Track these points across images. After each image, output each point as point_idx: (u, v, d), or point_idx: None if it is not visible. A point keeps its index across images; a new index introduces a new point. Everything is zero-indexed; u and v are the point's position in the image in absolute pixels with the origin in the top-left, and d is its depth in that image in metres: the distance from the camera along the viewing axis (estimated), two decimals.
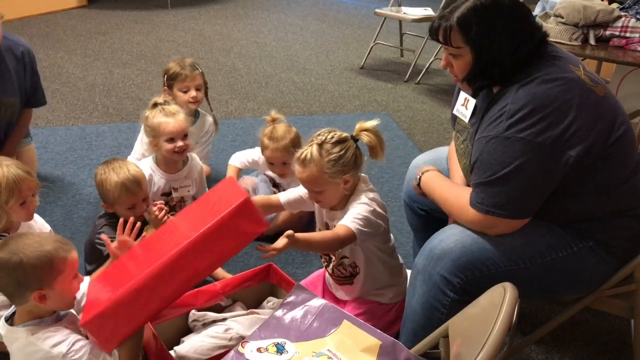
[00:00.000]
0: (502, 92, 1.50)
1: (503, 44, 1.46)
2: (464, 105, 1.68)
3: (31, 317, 1.44)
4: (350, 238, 1.66)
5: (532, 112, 1.41)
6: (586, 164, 1.44)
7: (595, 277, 1.58)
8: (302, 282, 2.10)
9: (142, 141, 2.59)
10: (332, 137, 1.73)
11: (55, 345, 1.40)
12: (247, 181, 2.58)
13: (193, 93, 2.68)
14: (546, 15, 2.83)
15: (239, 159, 2.62)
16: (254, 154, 2.60)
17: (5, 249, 1.39)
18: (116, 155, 3.15)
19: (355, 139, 1.75)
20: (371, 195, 1.79)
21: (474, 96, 1.65)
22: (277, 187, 2.55)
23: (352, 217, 1.69)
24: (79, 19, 6.01)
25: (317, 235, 1.73)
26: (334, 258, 1.89)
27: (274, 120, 2.43)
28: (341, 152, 1.71)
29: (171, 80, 2.69)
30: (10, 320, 1.48)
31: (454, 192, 1.64)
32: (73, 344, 1.41)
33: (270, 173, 2.55)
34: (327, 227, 1.89)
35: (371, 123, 1.75)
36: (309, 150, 1.72)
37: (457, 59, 1.53)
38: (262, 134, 2.42)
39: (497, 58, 1.47)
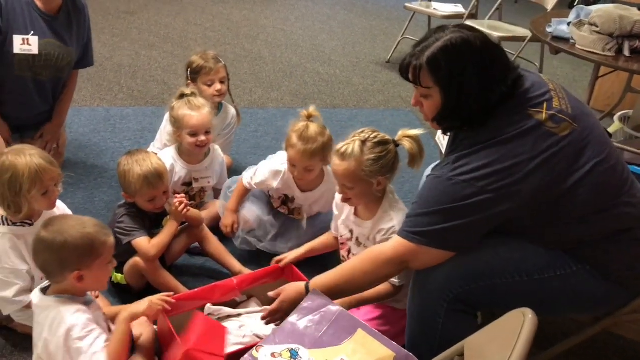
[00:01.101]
0: (458, 145, 1.51)
1: (473, 86, 1.44)
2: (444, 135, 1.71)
3: (64, 292, 1.54)
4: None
5: (480, 167, 1.42)
6: (544, 202, 1.44)
7: (596, 300, 1.55)
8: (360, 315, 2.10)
9: (165, 130, 2.60)
10: (375, 137, 1.76)
11: (74, 324, 1.48)
12: (248, 214, 2.34)
13: (218, 86, 2.64)
14: (580, 23, 2.77)
15: (249, 178, 2.32)
16: (269, 169, 2.29)
17: (50, 229, 1.49)
18: (139, 140, 3.20)
19: (396, 144, 1.78)
20: (403, 207, 1.83)
21: (444, 134, 1.67)
22: (291, 202, 2.36)
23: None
24: None
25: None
26: None
27: (309, 117, 2.17)
28: (382, 154, 1.74)
29: (195, 74, 2.64)
30: (44, 291, 1.58)
31: (350, 263, 1.65)
32: (90, 331, 1.49)
33: (286, 188, 2.31)
34: (352, 234, 1.89)
35: (415, 131, 1.78)
36: (351, 145, 1.75)
37: (427, 99, 1.52)
38: (291, 129, 2.15)
39: (467, 100, 1.45)
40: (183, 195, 2.09)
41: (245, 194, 2.37)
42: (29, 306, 1.80)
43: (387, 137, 1.79)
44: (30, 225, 1.79)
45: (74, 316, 1.50)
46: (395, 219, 1.82)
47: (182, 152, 2.35)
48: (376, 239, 1.83)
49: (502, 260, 1.50)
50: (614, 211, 1.48)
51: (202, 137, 2.26)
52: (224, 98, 2.75)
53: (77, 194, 2.68)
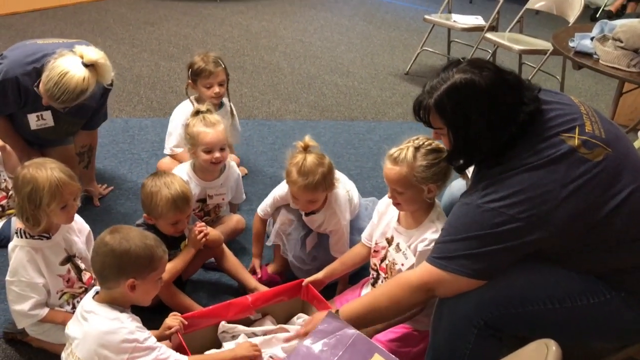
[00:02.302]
0: (485, 174, 1.47)
1: (480, 128, 1.41)
2: None
3: (112, 301, 1.56)
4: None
5: (510, 195, 1.39)
6: (577, 230, 1.39)
7: (628, 328, 1.51)
8: (336, 298, 2.08)
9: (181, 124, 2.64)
10: (430, 144, 1.77)
11: (139, 331, 1.52)
12: (283, 218, 2.27)
13: (216, 89, 2.73)
14: (604, 38, 2.72)
15: (262, 208, 2.30)
16: (278, 191, 2.25)
17: (116, 235, 1.54)
18: (157, 151, 3.21)
19: None
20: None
21: (459, 172, 1.65)
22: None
23: None
24: (129, 7, 6.09)
25: None
26: (384, 275, 1.91)
27: (306, 148, 2.07)
28: (434, 161, 1.74)
29: (195, 76, 2.73)
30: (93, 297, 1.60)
31: (377, 290, 1.61)
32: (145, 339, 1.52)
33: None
34: (392, 241, 1.89)
35: None
36: (404, 150, 1.76)
37: (443, 136, 1.51)
38: (290, 162, 2.08)
39: (475, 142, 1.43)
40: (203, 224, 2.07)
41: (264, 229, 2.33)
42: (43, 320, 1.81)
43: (442, 145, 1.78)
44: (48, 238, 1.80)
45: (132, 323, 1.53)
46: (440, 231, 1.80)
47: (197, 169, 2.34)
48: (417, 247, 1.81)
49: (534, 286, 1.47)
50: None
51: (217, 154, 2.25)
52: (221, 99, 2.84)
53: (94, 206, 2.69)
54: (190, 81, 2.77)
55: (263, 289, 2.08)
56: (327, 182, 2.07)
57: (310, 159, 2.04)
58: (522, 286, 1.47)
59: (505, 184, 1.40)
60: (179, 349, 1.70)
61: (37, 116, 2.45)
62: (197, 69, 2.72)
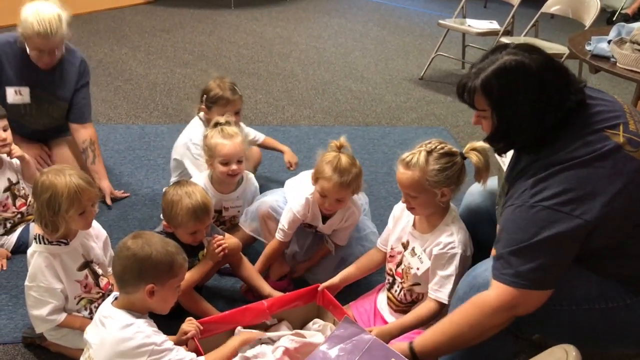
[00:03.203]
0: (530, 168, 1.44)
1: (526, 111, 1.39)
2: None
3: (130, 307, 1.57)
4: None
5: (560, 192, 1.35)
6: (623, 229, 1.36)
7: None
8: (352, 304, 2.08)
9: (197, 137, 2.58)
10: (442, 148, 1.76)
11: (155, 334, 1.53)
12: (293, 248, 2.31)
13: (232, 118, 2.47)
14: (621, 41, 2.70)
15: (280, 231, 2.23)
16: (297, 206, 2.21)
17: (138, 240, 1.55)
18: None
19: (463, 157, 1.78)
20: (464, 227, 1.84)
21: (499, 155, 1.62)
22: (310, 227, 2.34)
23: None
24: (145, 15, 6.15)
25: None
26: (400, 280, 1.91)
27: (340, 148, 2.12)
28: (447, 164, 1.74)
29: (211, 103, 2.59)
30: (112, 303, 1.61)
31: (452, 317, 1.52)
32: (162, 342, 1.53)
33: (311, 218, 2.26)
34: (407, 245, 1.89)
35: (482, 144, 1.74)
36: (416, 154, 1.76)
37: (485, 120, 1.49)
38: (322, 160, 2.10)
39: (520, 125, 1.41)
40: (222, 237, 2.06)
41: (281, 253, 2.30)
42: (61, 325, 1.83)
43: (455, 149, 1.79)
44: (66, 244, 1.81)
45: (148, 328, 1.54)
46: (455, 235, 1.80)
47: (214, 181, 2.34)
48: (433, 251, 1.81)
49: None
50: None
51: (234, 167, 2.24)
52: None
53: (111, 211, 2.72)
54: (204, 106, 2.63)
55: (278, 295, 2.08)
56: (358, 183, 2.12)
57: (345, 158, 2.09)
58: None
59: (554, 180, 1.36)
60: (196, 354, 1.70)
61: (15, 91, 2.59)
62: (213, 96, 2.57)
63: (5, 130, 2.26)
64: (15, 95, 2.59)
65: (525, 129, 1.42)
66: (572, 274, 1.44)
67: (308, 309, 2.00)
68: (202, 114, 2.68)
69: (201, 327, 1.75)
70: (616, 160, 1.35)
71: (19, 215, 2.40)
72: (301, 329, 1.95)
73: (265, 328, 1.93)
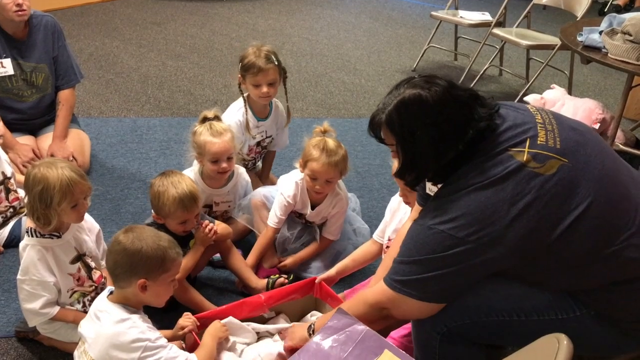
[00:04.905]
0: (438, 192, 1.45)
1: (426, 144, 1.37)
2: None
3: (124, 302, 1.56)
4: None
5: (458, 217, 1.35)
6: (534, 249, 1.33)
7: (604, 344, 1.44)
8: (346, 292, 2.09)
9: None
10: None
11: (150, 330, 1.53)
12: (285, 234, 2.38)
13: (264, 89, 2.44)
14: (613, 32, 2.70)
15: (272, 218, 2.29)
16: (287, 193, 2.28)
17: (130, 235, 1.54)
18: (165, 150, 3.22)
19: None
20: None
21: (410, 188, 1.62)
22: (299, 217, 2.40)
23: None
24: (136, 7, 6.11)
25: None
26: None
27: (325, 132, 2.24)
28: None
29: (244, 71, 2.46)
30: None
31: (346, 307, 1.56)
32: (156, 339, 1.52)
33: (299, 205, 2.32)
34: None
35: None
36: None
37: (394, 153, 1.46)
38: (309, 144, 2.21)
39: (422, 158, 1.40)
40: (209, 222, 2.07)
41: (273, 241, 2.33)
42: (54, 318, 1.83)
43: None
44: (59, 237, 1.80)
45: (143, 324, 1.54)
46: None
47: (204, 176, 2.33)
48: None
49: (500, 297, 1.43)
50: (617, 258, 1.33)
51: (224, 164, 2.23)
52: (270, 100, 2.59)
53: (103, 205, 2.70)
54: (240, 76, 2.51)
55: (262, 287, 2.11)
56: (345, 164, 2.21)
57: (331, 140, 2.20)
58: (487, 296, 1.43)
59: (453, 206, 1.36)
60: (194, 348, 1.71)
61: None
62: (247, 63, 2.42)
63: None
64: None
65: (426, 161, 1.40)
66: (520, 286, 1.42)
67: (305, 301, 2.01)
68: (246, 94, 2.56)
69: (198, 323, 1.75)
70: (518, 181, 1.32)
71: (11, 209, 2.39)
72: (299, 321, 1.96)
73: (264, 321, 1.93)
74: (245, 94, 2.57)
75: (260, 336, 1.88)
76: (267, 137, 2.69)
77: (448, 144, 1.37)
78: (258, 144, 2.68)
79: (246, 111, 2.56)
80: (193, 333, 1.72)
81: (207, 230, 2.03)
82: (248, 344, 1.83)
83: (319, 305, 2.01)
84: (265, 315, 1.93)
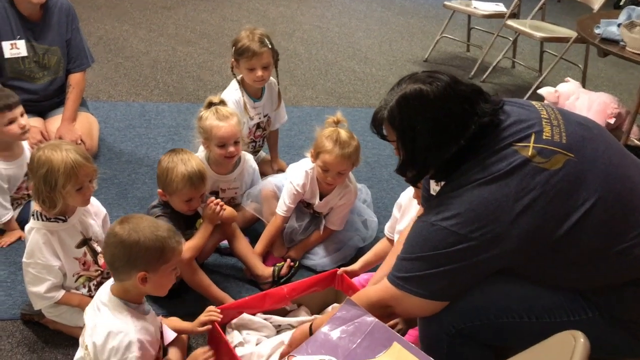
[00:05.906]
0: (441, 189, 1.43)
1: (427, 140, 1.35)
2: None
3: (124, 294, 1.52)
4: None
5: (461, 213, 1.32)
6: (539, 246, 1.30)
7: (616, 344, 1.41)
8: (357, 279, 2.08)
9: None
10: None
11: (125, 335, 1.46)
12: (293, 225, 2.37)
13: (259, 72, 2.46)
14: (632, 25, 2.65)
15: (281, 206, 2.27)
16: (297, 181, 2.26)
17: (126, 226, 1.48)
18: (173, 136, 3.20)
19: None
20: None
21: (411, 184, 1.62)
22: (307, 207, 2.39)
23: None
24: None
25: None
26: None
27: (337, 123, 2.19)
28: None
29: (238, 55, 2.46)
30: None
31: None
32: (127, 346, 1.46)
33: (308, 195, 2.31)
34: None
35: None
36: None
37: (396, 150, 1.45)
38: (322, 135, 2.17)
39: (423, 154, 1.37)
40: (214, 198, 2.06)
41: (282, 229, 2.31)
42: (59, 302, 1.81)
43: None
44: (64, 221, 1.79)
45: (134, 327, 1.49)
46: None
47: (211, 162, 2.30)
48: None
49: (511, 298, 1.40)
50: (627, 256, 1.30)
51: (231, 148, 2.20)
52: (265, 83, 2.59)
53: (110, 189, 2.69)
54: (233, 60, 2.52)
55: (269, 275, 2.12)
56: (357, 155, 2.18)
57: (344, 131, 2.16)
58: (497, 297, 1.40)
59: (456, 202, 1.33)
60: (218, 341, 1.69)
61: (11, 44, 2.65)
62: (240, 46, 2.43)
63: (22, 115, 2.22)
64: (11, 49, 2.66)
65: (427, 158, 1.38)
66: (531, 287, 1.40)
67: (326, 293, 1.99)
68: (240, 77, 2.56)
69: (220, 318, 1.71)
70: (523, 176, 1.29)
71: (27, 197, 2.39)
72: (319, 314, 1.95)
73: (285, 313, 1.93)
74: (238, 77, 2.56)
75: (281, 329, 1.86)
76: (264, 117, 2.69)
77: (449, 138, 1.35)
78: (257, 126, 2.67)
79: (242, 94, 2.55)
80: (216, 324, 1.69)
81: (213, 205, 2.00)
82: (267, 337, 1.83)
83: (340, 297, 1.99)
84: (288, 307, 1.92)
